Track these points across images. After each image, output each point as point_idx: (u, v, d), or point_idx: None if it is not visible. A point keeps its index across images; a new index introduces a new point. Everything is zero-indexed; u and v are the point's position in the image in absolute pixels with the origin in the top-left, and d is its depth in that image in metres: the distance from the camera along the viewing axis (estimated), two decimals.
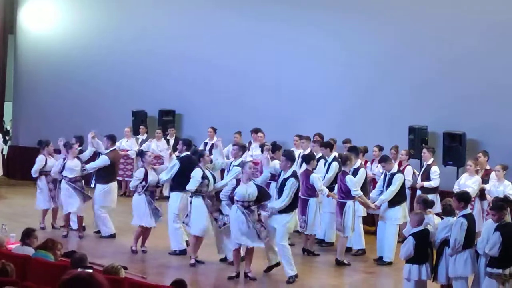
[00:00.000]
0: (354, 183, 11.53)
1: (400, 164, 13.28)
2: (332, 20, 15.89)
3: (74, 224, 13.25)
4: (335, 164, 12.42)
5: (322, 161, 12.82)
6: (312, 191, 11.86)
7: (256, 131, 15.11)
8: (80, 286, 3.35)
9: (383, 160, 12.19)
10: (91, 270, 6.38)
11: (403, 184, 11.94)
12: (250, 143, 15.34)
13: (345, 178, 11.54)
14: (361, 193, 11.64)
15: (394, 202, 11.74)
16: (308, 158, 12.15)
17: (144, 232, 12.15)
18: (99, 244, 12.68)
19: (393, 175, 11.79)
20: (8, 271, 6.86)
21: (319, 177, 12.04)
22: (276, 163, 11.56)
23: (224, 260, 11.50)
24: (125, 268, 8.70)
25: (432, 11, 14.70)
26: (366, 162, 13.55)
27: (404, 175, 12.13)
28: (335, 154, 12.77)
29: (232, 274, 10.58)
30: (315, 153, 12.88)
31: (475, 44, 14.12)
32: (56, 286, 3.44)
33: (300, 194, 11.67)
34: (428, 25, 14.69)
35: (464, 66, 14.24)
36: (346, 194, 11.56)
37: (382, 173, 12.41)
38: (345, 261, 11.65)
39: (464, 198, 9.11)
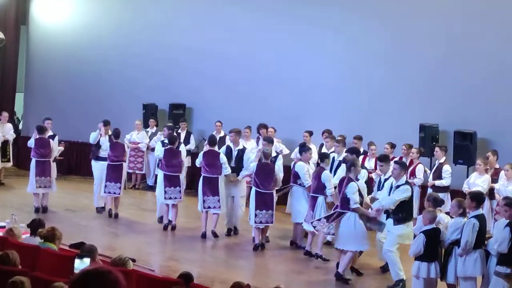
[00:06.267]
0: (353, 193, 10.33)
1: (411, 163, 13.23)
2: (342, 16, 15.83)
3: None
4: (363, 172, 11.44)
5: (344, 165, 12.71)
6: (322, 189, 11.51)
7: (265, 126, 15.09)
8: (96, 280, 3.32)
9: (382, 159, 11.21)
10: (88, 260, 6.43)
11: (411, 199, 10.24)
12: (258, 138, 15.33)
13: (347, 186, 10.44)
14: (359, 206, 10.38)
15: (398, 218, 10.09)
16: (322, 156, 12.05)
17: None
18: (108, 235, 12.71)
19: (398, 187, 10.14)
20: (10, 259, 6.85)
21: (331, 176, 11.80)
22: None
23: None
24: (133, 261, 8.71)
25: (443, 9, 14.64)
26: (376, 159, 13.30)
27: (412, 188, 10.45)
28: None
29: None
30: (328, 150, 12.96)
31: (487, 43, 14.05)
32: (72, 277, 3.41)
33: (311, 192, 11.73)
34: (440, 23, 14.63)
35: (475, 65, 14.17)
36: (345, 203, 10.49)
37: (377, 179, 11.58)
38: (348, 277, 10.52)
39: (477, 198, 9.03)
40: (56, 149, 14.68)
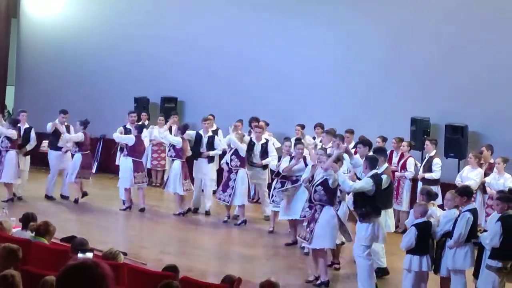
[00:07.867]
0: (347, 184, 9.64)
1: (401, 156, 13.25)
2: (335, 11, 15.86)
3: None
4: None
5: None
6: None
7: (257, 120, 15.07)
8: (83, 274, 3.30)
9: (378, 151, 10.56)
10: (91, 254, 6.40)
11: (376, 193, 9.38)
12: (250, 132, 15.32)
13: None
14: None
15: (361, 213, 9.48)
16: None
17: None
18: (99, 229, 12.69)
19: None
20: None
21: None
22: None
23: None
24: (125, 254, 8.71)
25: (433, 2, 14.67)
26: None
27: (371, 180, 9.30)
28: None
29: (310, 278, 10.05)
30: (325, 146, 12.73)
31: (479, 36, 14.08)
32: (59, 271, 3.38)
33: None
34: (430, 16, 14.66)
35: (467, 59, 14.20)
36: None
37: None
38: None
39: (466, 192, 9.05)
40: (45, 142, 14.91)
